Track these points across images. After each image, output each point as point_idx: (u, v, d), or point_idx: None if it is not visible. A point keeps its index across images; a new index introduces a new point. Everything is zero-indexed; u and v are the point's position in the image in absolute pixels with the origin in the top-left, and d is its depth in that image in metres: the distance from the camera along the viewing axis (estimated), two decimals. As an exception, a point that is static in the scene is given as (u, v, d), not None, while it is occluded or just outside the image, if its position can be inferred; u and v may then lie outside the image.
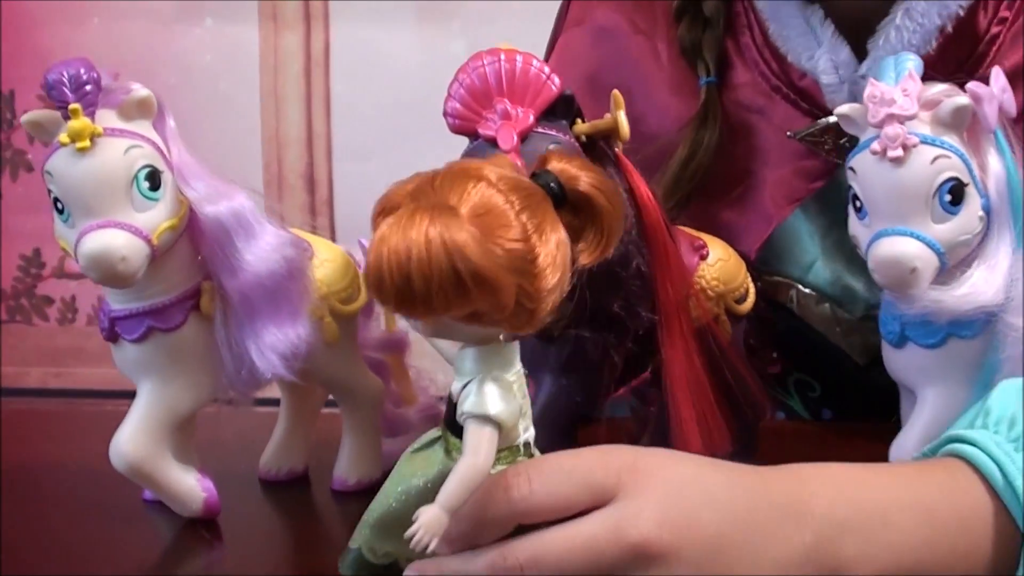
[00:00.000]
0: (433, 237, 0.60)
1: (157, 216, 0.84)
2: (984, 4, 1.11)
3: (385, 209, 0.65)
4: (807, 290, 1.17)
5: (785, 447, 1.04)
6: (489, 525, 0.67)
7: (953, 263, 0.84)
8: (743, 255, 0.97)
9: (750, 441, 0.96)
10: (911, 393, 0.92)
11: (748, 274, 0.96)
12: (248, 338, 0.88)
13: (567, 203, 0.66)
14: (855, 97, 1.07)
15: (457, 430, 0.67)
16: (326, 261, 0.93)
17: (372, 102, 2.65)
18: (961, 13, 1.09)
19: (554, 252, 0.63)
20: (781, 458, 0.99)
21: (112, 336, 0.89)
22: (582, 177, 0.66)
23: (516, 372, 0.67)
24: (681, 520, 0.67)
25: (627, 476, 0.67)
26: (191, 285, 0.88)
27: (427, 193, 0.63)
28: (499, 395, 0.65)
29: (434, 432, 0.70)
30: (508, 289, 0.62)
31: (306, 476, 1.03)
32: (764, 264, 1.16)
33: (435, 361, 1.04)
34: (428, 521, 0.62)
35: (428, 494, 0.67)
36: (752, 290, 0.96)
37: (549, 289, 0.63)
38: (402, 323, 1.03)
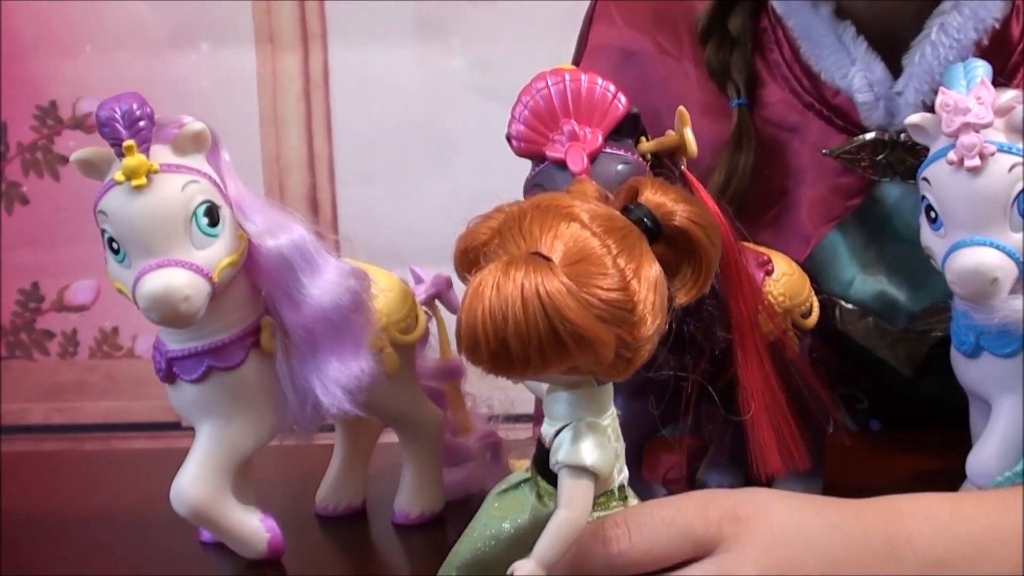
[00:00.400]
0: (529, 296, 0.58)
1: (217, 253, 0.82)
2: (1017, 13, 1.09)
3: (468, 248, 0.63)
4: (849, 306, 1.16)
5: (847, 460, 1.02)
6: None
7: (1030, 272, 0.82)
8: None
9: (820, 457, 0.94)
10: (983, 404, 0.90)
11: (812, 288, 0.95)
12: (311, 373, 0.86)
13: (662, 238, 0.64)
14: (891, 114, 1.09)
15: (548, 474, 0.65)
16: (384, 291, 0.91)
17: (374, 122, 2.63)
18: (996, 25, 1.07)
19: (652, 298, 0.61)
20: (846, 471, 0.98)
21: (170, 377, 0.87)
22: (679, 211, 0.64)
23: (610, 415, 0.65)
24: (784, 568, 0.66)
25: (728, 526, 0.66)
26: (250, 322, 0.86)
27: (515, 234, 0.61)
28: (594, 443, 0.63)
29: (521, 473, 0.68)
30: (608, 343, 0.59)
31: (363, 510, 1.01)
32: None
33: (492, 386, 1.03)
34: None
35: (518, 539, 0.66)
36: (816, 304, 0.95)
37: (648, 336, 0.61)
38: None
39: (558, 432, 0.64)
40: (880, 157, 1.10)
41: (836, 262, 1.16)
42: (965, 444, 0.94)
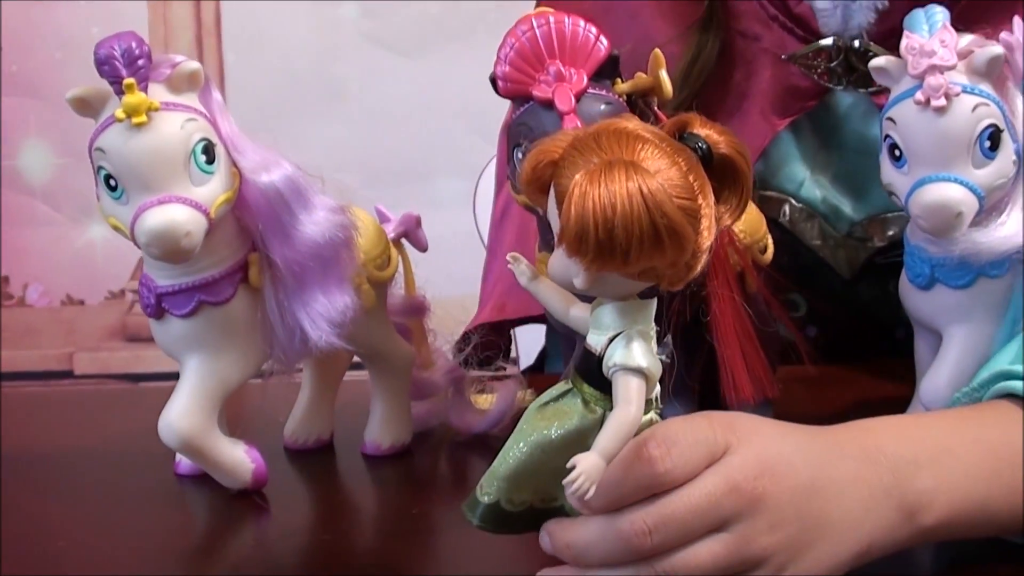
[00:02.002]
0: (634, 192, 0.62)
1: (214, 189, 0.84)
2: None
3: (539, 164, 0.66)
4: (799, 205, 1.22)
5: (795, 390, 1.07)
6: (630, 494, 0.70)
7: (988, 206, 0.87)
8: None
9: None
10: (929, 333, 0.95)
11: (767, 228, 0.99)
12: (299, 308, 0.88)
13: (710, 166, 0.68)
14: (846, 20, 1.16)
15: (595, 380, 0.69)
16: (361, 228, 0.93)
17: (265, 69, 2.63)
18: None
19: (710, 212, 0.65)
20: (794, 401, 1.03)
21: (158, 312, 0.88)
22: (724, 141, 0.68)
23: (653, 328, 0.69)
24: (781, 469, 0.72)
25: (731, 436, 0.72)
26: (239, 257, 0.88)
27: (593, 149, 0.65)
28: (646, 349, 0.68)
29: (561, 386, 0.72)
30: (692, 242, 0.64)
31: (331, 443, 1.04)
32: (759, 181, 1.20)
33: (455, 322, 1.06)
34: (588, 468, 0.65)
35: (566, 444, 0.69)
36: (771, 242, 0.99)
37: (706, 248, 0.65)
38: (421, 286, 1.04)
39: (610, 340, 0.68)
40: (835, 63, 1.17)
41: (789, 162, 1.23)
42: (905, 374, 0.99)
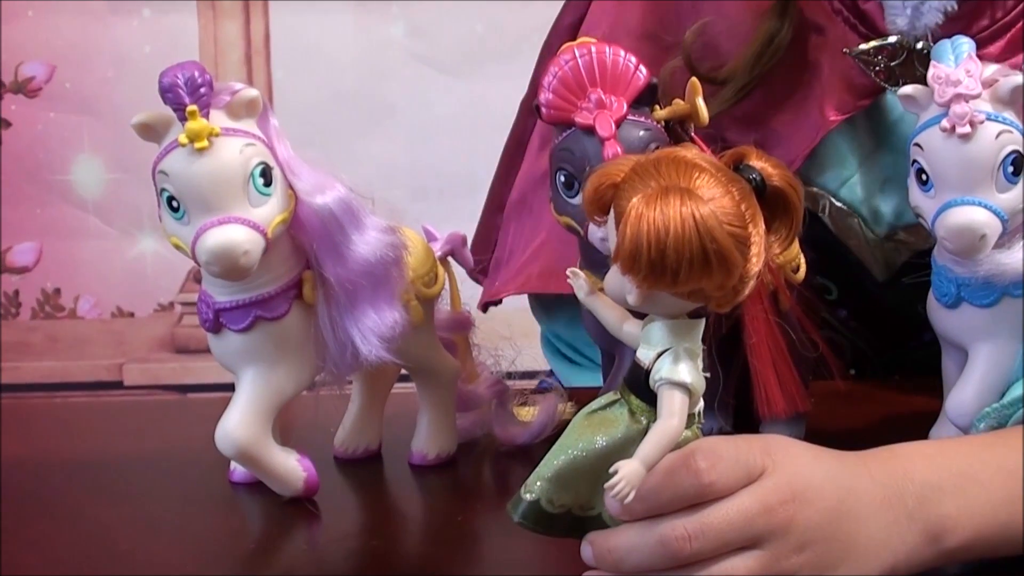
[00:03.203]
0: (686, 216, 0.67)
1: (271, 210, 0.88)
2: None
3: (601, 186, 0.71)
4: (839, 203, 1.23)
5: (825, 405, 1.11)
6: (670, 502, 0.74)
7: (1012, 228, 0.91)
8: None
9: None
10: (956, 351, 0.99)
11: (800, 248, 1.03)
12: (350, 323, 0.92)
13: (762, 197, 0.72)
14: (914, 20, 1.16)
15: (642, 393, 0.73)
16: (410, 247, 0.97)
17: (313, 88, 2.68)
18: None
19: (760, 240, 0.69)
20: (825, 416, 1.06)
21: (216, 327, 0.92)
22: (777, 174, 0.72)
23: (700, 346, 0.73)
24: (810, 494, 0.76)
25: (767, 459, 0.76)
26: (294, 275, 0.92)
27: (652, 175, 0.69)
28: (692, 366, 0.72)
29: (610, 395, 0.76)
30: (740, 268, 0.68)
31: (379, 453, 1.08)
32: (806, 175, 1.21)
33: (499, 338, 1.10)
34: (629, 474, 0.69)
35: (610, 452, 0.74)
36: (803, 261, 1.02)
37: (754, 274, 0.70)
38: (465, 302, 1.08)
39: (659, 355, 0.72)
40: (895, 63, 1.18)
41: (836, 159, 1.23)
42: (933, 389, 1.02)
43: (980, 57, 1.02)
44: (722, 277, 0.68)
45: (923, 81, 0.97)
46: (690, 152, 0.71)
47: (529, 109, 1.29)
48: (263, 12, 2.70)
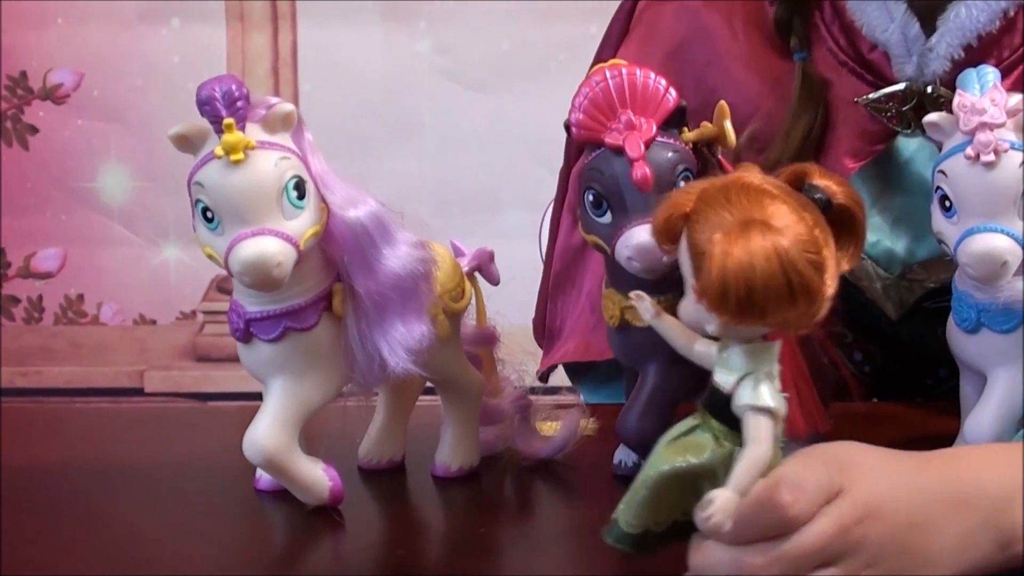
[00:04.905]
0: (770, 252, 0.68)
1: (304, 223, 0.89)
2: None
3: (672, 217, 0.73)
4: None
5: (843, 427, 1.12)
6: (758, 533, 0.75)
7: (1032, 256, 0.92)
8: None
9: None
10: (974, 375, 1.00)
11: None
12: (379, 336, 0.93)
13: (828, 214, 0.73)
14: (921, 68, 1.20)
15: (723, 417, 0.75)
16: (438, 262, 0.99)
17: (340, 101, 2.70)
18: None
19: (833, 263, 0.71)
20: (843, 437, 1.07)
21: (246, 337, 0.94)
22: (841, 192, 0.74)
23: (777, 368, 0.75)
24: (885, 508, 0.77)
25: (843, 477, 0.77)
26: (324, 287, 0.93)
27: (723, 204, 0.70)
28: (772, 390, 0.74)
29: (688, 421, 0.78)
30: (820, 296, 0.70)
31: (403, 464, 1.09)
32: None
33: (524, 352, 1.12)
34: (723, 504, 0.71)
35: (697, 475, 0.76)
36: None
37: (830, 296, 0.72)
38: (491, 317, 1.10)
39: (739, 380, 0.74)
40: (906, 108, 1.22)
41: None
42: (950, 413, 1.04)
43: None
44: (805, 306, 0.70)
45: None
46: (756, 176, 0.73)
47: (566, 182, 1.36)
48: (291, 25, 2.72)
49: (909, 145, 1.25)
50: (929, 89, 1.21)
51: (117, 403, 2.69)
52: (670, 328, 0.79)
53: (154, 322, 2.79)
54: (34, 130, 2.67)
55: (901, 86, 1.22)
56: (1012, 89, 1.13)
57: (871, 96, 1.23)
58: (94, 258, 2.77)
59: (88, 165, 2.73)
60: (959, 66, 1.18)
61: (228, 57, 2.71)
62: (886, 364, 1.31)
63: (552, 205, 1.43)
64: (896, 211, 1.26)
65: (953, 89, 1.16)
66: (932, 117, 0.94)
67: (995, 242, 0.90)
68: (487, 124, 2.70)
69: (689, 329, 0.77)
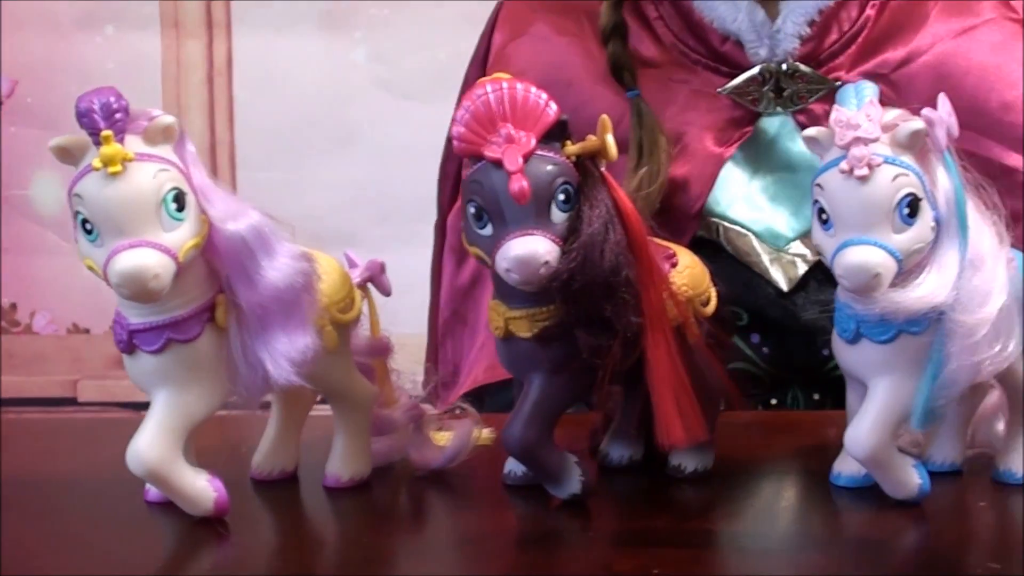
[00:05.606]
0: None
1: (183, 235, 0.90)
2: None
3: None
4: (734, 226, 1.35)
5: (736, 434, 1.14)
6: None
7: (907, 268, 0.93)
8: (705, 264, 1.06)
9: (713, 430, 1.04)
10: (858, 385, 1.01)
11: (711, 280, 1.05)
12: (261, 347, 0.94)
13: None
14: (773, 49, 1.33)
15: None
16: (326, 273, 0.99)
17: (275, 110, 2.70)
18: None
19: None
20: (735, 445, 1.09)
21: (130, 348, 0.94)
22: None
23: None
24: None
25: None
26: (207, 298, 0.94)
27: None
28: None
29: None
30: None
31: (295, 475, 1.09)
32: (706, 209, 1.34)
33: (416, 363, 1.12)
34: None
35: None
36: (714, 294, 1.05)
37: None
38: (385, 328, 1.10)
39: None
40: (766, 88, 1.33)
41: (726, 187, 1.35)
42: (841, 422, 1.04)
43: (834, 68, 1.30)
44: None
45: (792, 96, 1.20)
46: None
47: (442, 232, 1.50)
48: (227, 33, 2.72)
49: (773, 124, 1.34)
50: (784, 67, 1.32)
51: (48, 413, 2.69)
52: None
53: (88, 331, 2.78)
54: (-30, 139, 2.67)
55: (756, 70, 1.33)
56: (859, 56, 1.32)
57: (731, 84, 1.33)
58: (27, 267, 2.76)
59: (21, 173, 2.72)
60: (807, 42, 1.32)
61: (163, 65, 2.71)
62: (783, 341, 1.35)
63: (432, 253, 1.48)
64: (772, 188, 1.35)
65: (808, 64, 1.32)
66: (810, 132, 0.95)
67: (867, 255, 0.91)
68: (424, 134, 2.68)
69: None
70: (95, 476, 1.10)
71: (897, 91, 1.29)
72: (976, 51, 1.34)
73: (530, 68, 1.37)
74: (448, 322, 1.43)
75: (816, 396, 1.35)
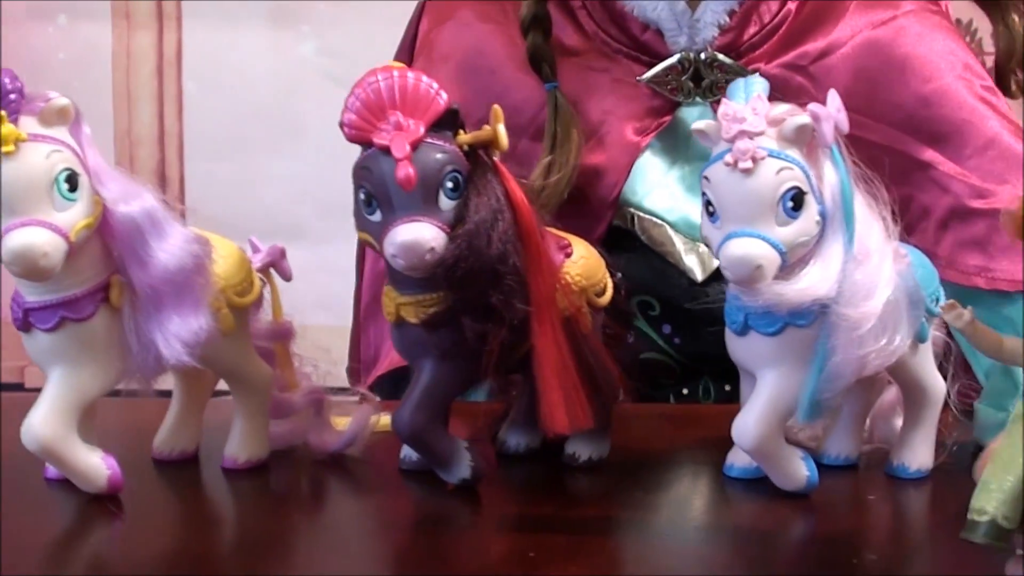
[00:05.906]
0: None
1: (75, 215, 0.91)
2: None
3: None
4: (649, 216, 1.36)
5: (634, 425, 1.15)
6: None
7: (792, 261, 0.94)
8: (602, 255, 1.07)
9: (606, 420, 1.06)
10: (750, 376, 1.02)
11: (607, 271, 1.06)
12: (154, 328, 0.95)
13: None
14: (692, 38, 1.33)
15: None
16: (223, 257, 1.01)
17: (224, 102, 2.71)
18: None
19: None
20: (633, 436, 1.10)
21: (25, 326, 0.96)
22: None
23: None
24: None
25: None
26: (102, 279, 0.95)
27: None
28: None
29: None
30: None
31: (196, 456, 1.11)
32: (623, 199, 1.35)
33: (316, 348, 1.14)
34: None
35: None
36: (610, 285, 1.06)
37: None
38: (288, 313, 1.12)
39: None
40: (685, 77, 1.34)
41: (644, 176, 1.36)
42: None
43: (753, 59, 1.30)
44: None
45: (711, 86, 1.21)
46: None
47: None
48: (177, 25, 2.73)
49: (692, 113, 1.34)
50: (703, 56, 1.33)
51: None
52: (982, 332, 0.82)
53: (34, 318, 2.77)
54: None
55: (675, 58, 1.33)
56: (779, 47, 1.33)
57: (650, 73, 1.34)
58: (-26, 254, 2.76)
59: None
60: (727, 32, 1.33)
61: (113, 56, 2.72)
62: (695, 332, 1.36)
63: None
64: (689, 179, 1.35)
65: (727, 55, 1.33)
66: (699, 125, 0.97)
67: (749, 247, 0.92)
68: (372, 128, 2.71)
69: (996, 333, 0.82)
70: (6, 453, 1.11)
71: (816, 83, 1.30)
72: (895, 43, 1.32)
73: (453, 53, 1.39)
74: (369, 307, 1.44)
75: (727, 387, 1.36)
